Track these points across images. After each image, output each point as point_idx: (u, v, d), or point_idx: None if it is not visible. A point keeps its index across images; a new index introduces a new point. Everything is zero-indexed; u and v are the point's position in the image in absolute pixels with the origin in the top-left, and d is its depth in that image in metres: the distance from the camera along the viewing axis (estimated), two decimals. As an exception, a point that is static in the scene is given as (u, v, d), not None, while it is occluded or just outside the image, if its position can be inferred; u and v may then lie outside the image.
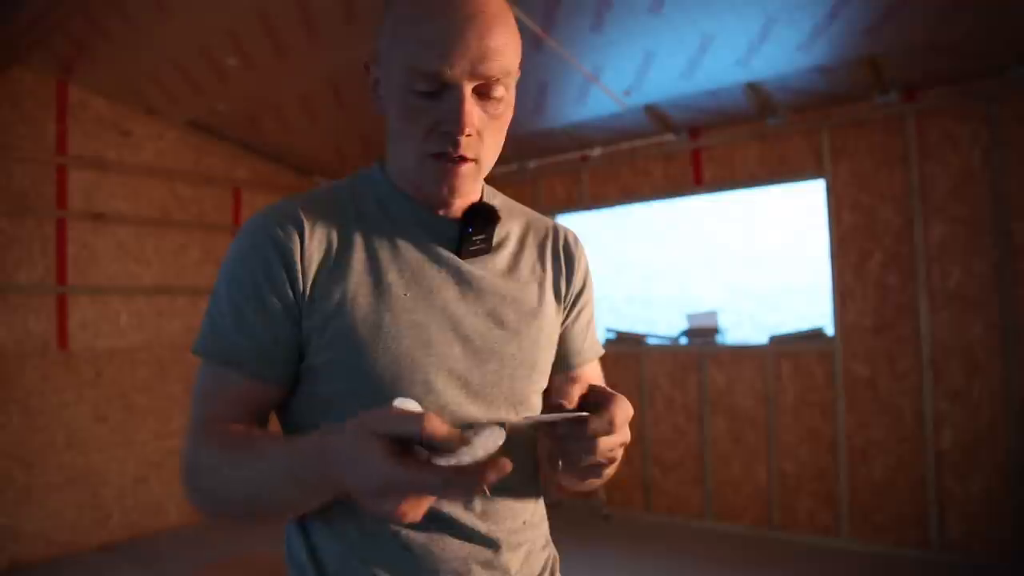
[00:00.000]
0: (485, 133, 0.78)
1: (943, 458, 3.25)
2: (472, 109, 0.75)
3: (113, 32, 3.30)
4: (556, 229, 0.97)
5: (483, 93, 0.76)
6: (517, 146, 4.45)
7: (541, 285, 0.91)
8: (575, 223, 5.05)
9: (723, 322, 4.35)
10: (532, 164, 4.65)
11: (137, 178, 4.23)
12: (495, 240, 0.88)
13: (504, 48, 0.75)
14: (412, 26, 0.74)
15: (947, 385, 3.25)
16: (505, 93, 0.78)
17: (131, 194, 4.20)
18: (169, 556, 3.79)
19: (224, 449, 0.75)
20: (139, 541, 3.99)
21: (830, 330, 3.65)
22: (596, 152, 4.40)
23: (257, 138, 4.61)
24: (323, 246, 0.81)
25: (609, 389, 0.73)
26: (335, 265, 0.81)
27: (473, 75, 0.74)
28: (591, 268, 1.00)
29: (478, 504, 0.82)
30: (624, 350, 4.32)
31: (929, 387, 3.29)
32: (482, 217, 0.86)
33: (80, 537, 3.80)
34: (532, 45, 3.11)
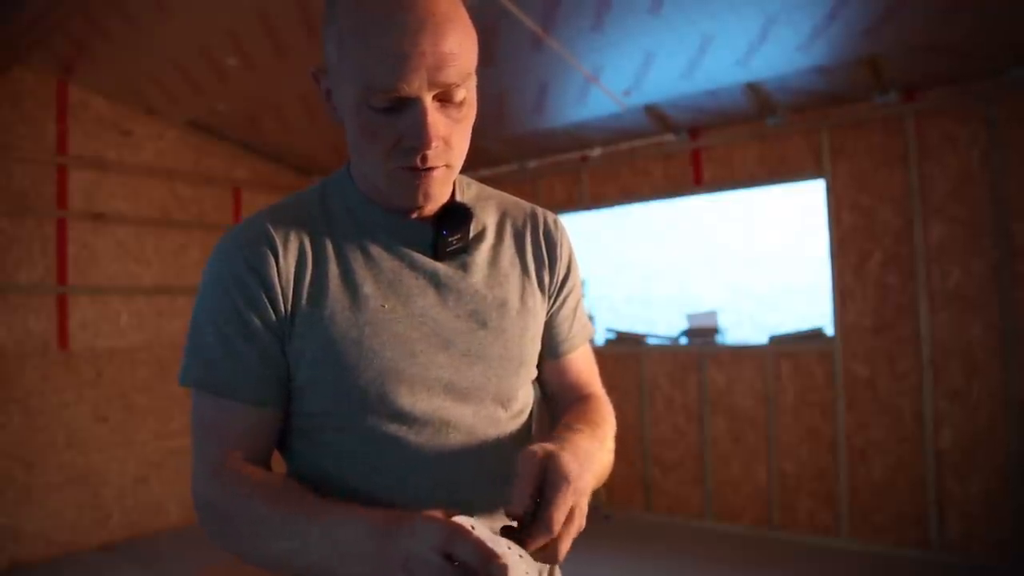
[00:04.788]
0: (451, 138, 0.75)
1: (943, 458, 3.25)
2: (435, 120, 0.71)
3: (113, 32, 3.30)
4: (535, 215, 0.94)
5: (444, 99, 0.73)
6: (517, 146, 4.45)
7: (523, 277, 0.89)
8: (575, 223, 5.05)
9: (723, 322, 4.35)
10: (532, 164, 4.65)
11: (137, 178, 4.23)
12: (471, 234, 0.85)
13: (460, 51, 0.71)
14: (360, 40, 0.69)
15: (947, 385, 3.26)
16: (467, 94, 0.74)
17: (131, 194, 4.20)
18: (169, 556, 3.79)
19: (270, 505, 0.71)
20: (139, 541, 3.99)
21: (830, 330, 3.65)
22: (596, 152, 4.40)
23: (257, 138, 4.61)
24: (298, 262, 0.79)
25: (566, 470, 0.66)
26: (312, 281, 0.79)
27: (432, 85, 0.70)
28: (574, 251, 0.97)
29: (484, 503, 0.83)
30: (624, 350, 4.32)
31: (929, 387, 3.29)
32: (456, 217, 0.83)
33: (80, 537, 3.80)
34: (532, 45, 3.11)
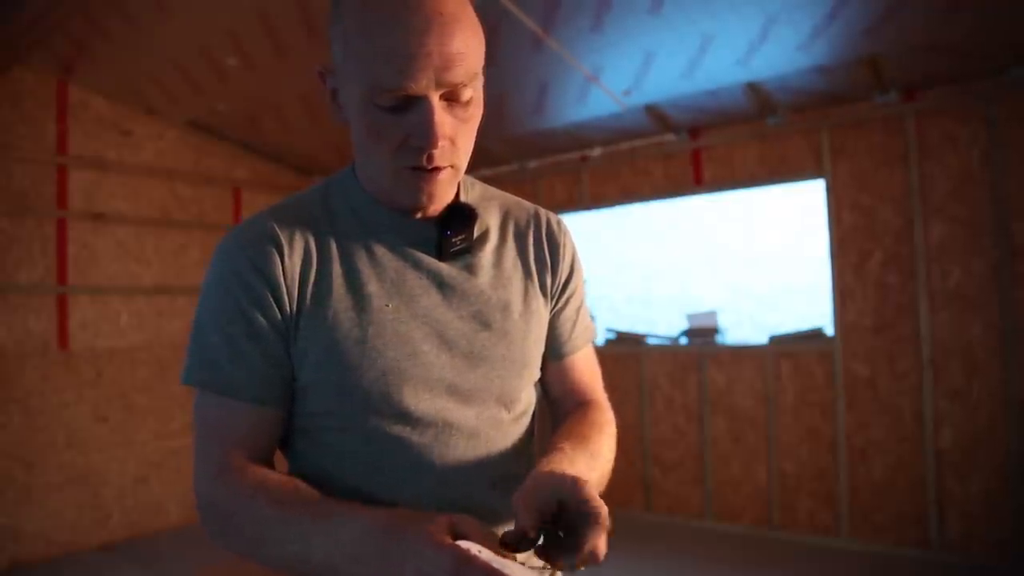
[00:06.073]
0: (458, 138, 0.75)
1: (943, 458, 3.25)
2: (442, 120, 0.71)
3: (113, 32, 3.30)
4: (538, 216, 0.93)
5: (451, 99, 0.72)
6: (517, 146, 4.45)
7: (525, 279, 0.88)
8: (575, 223, 5.05)
9: (723, 322, 4.34)
10: (532, 164, 4.65)
11: (137, 178, 4.23)
12: (475, 235, 0.85)
13: (467, 51, 0.71)
14: (367, 39, 0.69)
15: (947, 385, 3.25)
16: (473, 94, 0.74)
17: (131, 194, 4.20)
18: (169, 556, 3.79)
19: (273, 505, 0.71)
20: (139, 541, 3.99)
21: (830, 330, 3.65)
22: (596, 152, 4.40)
23: (257, 138, 4.61)
24: (302, 261, 0.79)
25: (585, 495, 0.64)
26: (316, 281, 0.78)
27: (439, 85, 0.70)
28: (577, 252, 0.96)
29: (486, 504, 0.83)
30: (624, 350, 4.32)
31: (929, 387, 3.29)
32: (460, 218, 0.83)
33: (80, 537, 3.80)
34: (532, 45, 3.11)
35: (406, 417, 0.79)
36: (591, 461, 0.79)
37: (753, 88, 3.46)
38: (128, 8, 3.08)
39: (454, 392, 0.81)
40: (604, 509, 0.64)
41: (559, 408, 0.96)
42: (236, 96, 4.00)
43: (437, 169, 0.75)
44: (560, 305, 0.93)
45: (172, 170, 4.37)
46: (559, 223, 0.95)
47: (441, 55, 0.69)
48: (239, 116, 4.28)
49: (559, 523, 0.65)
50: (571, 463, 0.74)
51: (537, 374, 0.91)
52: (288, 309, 0.77)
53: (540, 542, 0.66)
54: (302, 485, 0.73)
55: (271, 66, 3.55)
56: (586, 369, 0.97)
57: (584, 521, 0.63)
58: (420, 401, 0.79)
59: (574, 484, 0.65)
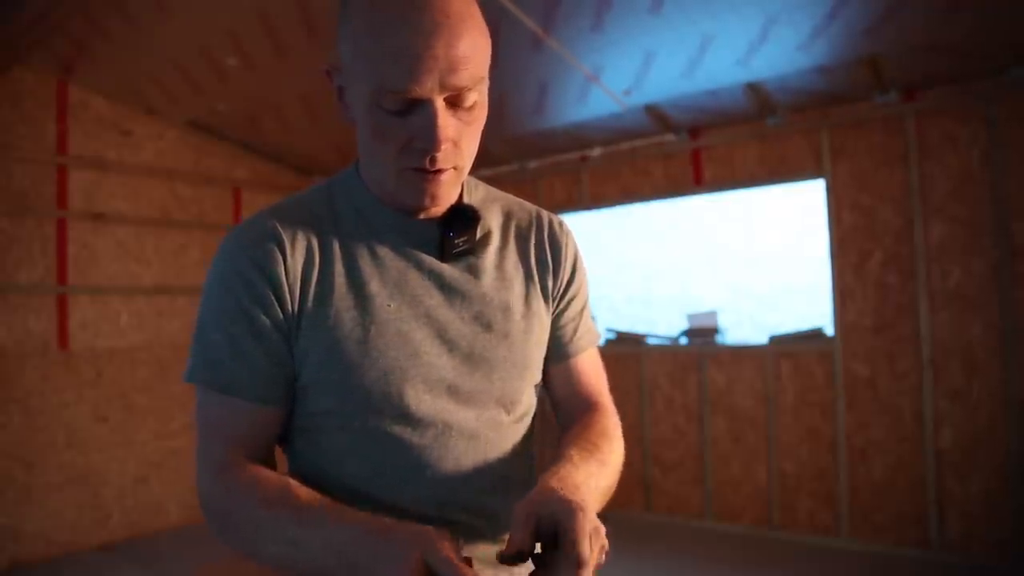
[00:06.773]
0: (461, 141, 0.75)
1: (943, 458, 3.25)
2: (446, 123, 0.71)
3: (113, 32, 3.30)
4: (540, 217, 0.93)
5: (455, 102, 0.72)
6: (517, 146, 4.45)
7: (527, 281, 0.88)
8: (575, 223, 5.04)
9: (723, 322, 4.34)
10: (532, 164, 4.64)
11: (137, 178, 4.23)
12: (477, 237, 0.85)
13: (473, 54, 0.70)
14: (373, 40, 0.69)
15: (947, 385, 3.25)
16: (478, 97, 0.74)
17: (131, 194, 4.20)
18: (169, 556, 3.79)
19: (266, 507, 0.71)
20: (139, 541, 3.99)
21: (830, 330, 3.65)
22: (596, 152, 4.40)
23: (257, 138, 4.61)
24: (305, 260, 0.79)
25: (574, 534, 0.62)
26: (318, 280, 0.79)
27: (444, 88, 0.70)
28: (580, 254, 0.96)
29: (485, 506, 0.83)
30: (624, 350, 4.32)
31: (929, 387, 3.29)
32: (463, 219, 0.83)
33: (80, 537, 3.80)
34: (532, 45, 3.11)
35: (407, 417, 0.79)
36: (600, 470, 0.78)
37: (753, 88, 3.46)
38: (128, 8, 3.08)
39: (454, 393, 0.81)
40: (587, 553, 0.62)
41: (564, 410, 0.95)
42: (236, 96, 4.00)
43: (440, 171, 0.75)
44: (562, 307, 0.93)
45: (172, 170, 4.37)
46: (561, 225, 0.95)
47: (447, 58, 0.68)
48: (239, 116, 4.28)
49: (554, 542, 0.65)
50: (579, 474, 0.73)
51: (538, 376, 0.91)
52: (290, 308, 0.78)
53: (537, 551, 0.65)
54: (297, 486, 0.73)
55: (271, 66, 3.55)
56: (591, 371, 0.96)
57: (569, 562, 0.62)
58: (421, 402, 0.79)
59: (571, 515, 0.63)
